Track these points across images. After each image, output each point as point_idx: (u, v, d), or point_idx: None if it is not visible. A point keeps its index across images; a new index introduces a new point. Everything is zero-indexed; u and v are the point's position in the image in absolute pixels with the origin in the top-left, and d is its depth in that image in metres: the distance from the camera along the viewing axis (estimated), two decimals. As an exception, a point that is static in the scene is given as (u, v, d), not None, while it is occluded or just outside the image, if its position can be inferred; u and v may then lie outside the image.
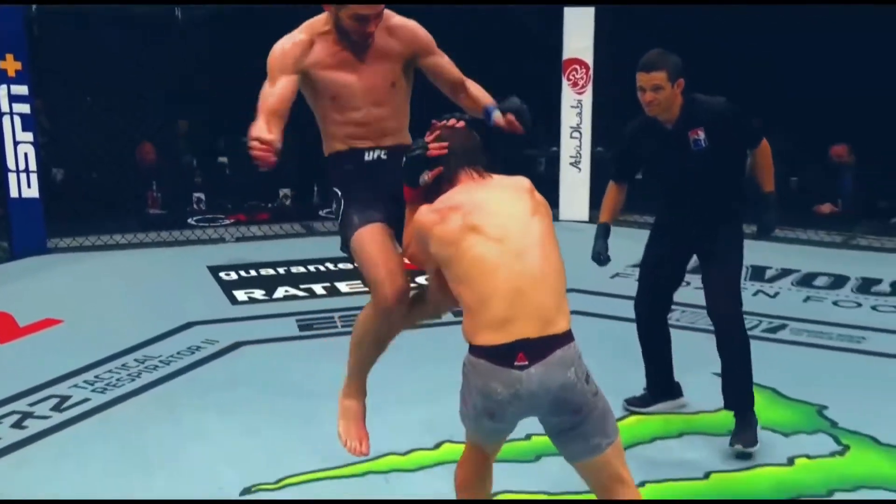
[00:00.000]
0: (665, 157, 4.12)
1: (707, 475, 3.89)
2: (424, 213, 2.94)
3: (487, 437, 2.92)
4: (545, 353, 2.70)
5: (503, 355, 2.69)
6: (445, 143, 3.02)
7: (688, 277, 4.55)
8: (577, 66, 8.12)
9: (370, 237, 3.29)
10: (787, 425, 4.35)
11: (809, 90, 8.24)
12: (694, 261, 4.39)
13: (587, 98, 8.18)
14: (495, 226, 2.80)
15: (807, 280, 6.73)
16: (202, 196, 9.09)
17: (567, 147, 8.34)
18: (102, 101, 8.89)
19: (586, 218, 8.17)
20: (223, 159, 9.82)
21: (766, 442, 4.20)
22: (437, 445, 4.13)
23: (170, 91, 9.21)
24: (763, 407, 4.54)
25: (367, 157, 3.38)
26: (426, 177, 3.04)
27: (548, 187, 8.28)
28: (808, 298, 6.34)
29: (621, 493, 2.86)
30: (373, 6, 3.21)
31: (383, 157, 3.40)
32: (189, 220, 8.60)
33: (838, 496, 3.75)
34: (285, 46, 3.30)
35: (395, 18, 3.37)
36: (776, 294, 6.39)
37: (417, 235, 2.98)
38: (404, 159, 3.10)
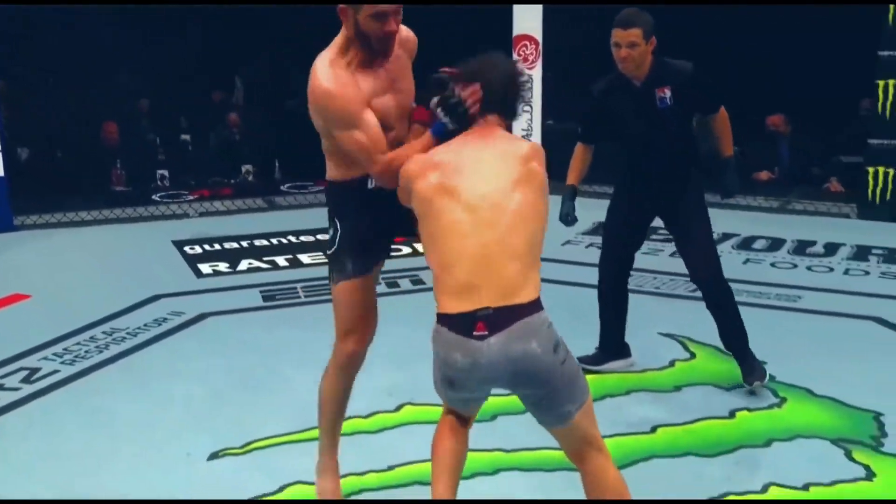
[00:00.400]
0: (632, 114, 4.13)
1: (654, 429, 3.93)
2: (411, 163, 2.77)
3: (454, 405, 2.83)
4: (506, 324, 2.56)
5: (463, 324, 2.58)
6: (479, 92, 2.77)
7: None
8: (527, 43, 8.10)
9: (353, 293, 3.09)
10: (729, 380, 4.40)
11: (747, 62, 8.30)
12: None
13: (537, 73, 8.16)
14: (471, 192, 2.64)
15: (746, 243, 6.80)
16: (166, 173, 8.98)
17: (518, 120, 8.31)
18: (65, 82, 8.75)
19: (538, 188, 8.15)
20: (186, 137, 9.71)
21: (709, 397, 4.27)
22: (398, 408, 4.14)
23: (132, 71, 9.08)
24: (706, 363, 4.62)
25: (371, 184, 3.01)
26: (434, 101, 2.83)
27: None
28: (747, 261, 6.40)
29: (593, 458, 2.76)
30: (390, 3, 2.84)
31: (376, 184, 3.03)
32: (153, 197, 8.49)
33: (776, 445, 3.81)
34: (345, 88, 2.86)
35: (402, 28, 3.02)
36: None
37: (402, 181, 2.80)
38: (438, 97, 2.81)
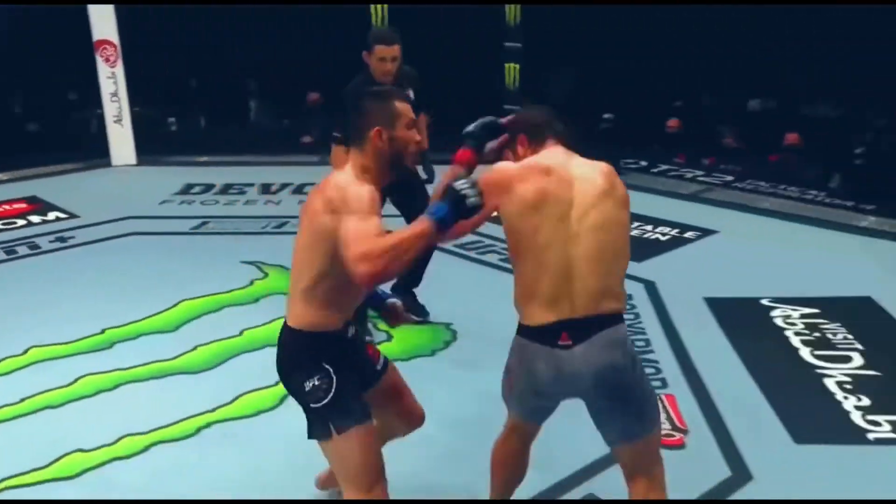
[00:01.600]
0: None
1: (241, 332, 3.93)
2: (508, 167, 2.14)
3: (531, 414, 2.25)
4: (589, 334, 2.03)
5: (547, 335, 2.04)
6: (513, 117, 2.24)
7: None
8: (107, 46, 7.42)
9: (367, 436, 2.16)
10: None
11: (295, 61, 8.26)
12: None
13: (119, 70, 7.52)
14: (562, 202, 2.06)
15: (299, 188, 6.85)
16: None
17: (110, 109, 7.65)
18: None
19: (134, 161, 7.63)
20: None
21: (282, 303, 4.25)
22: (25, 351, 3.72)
23: None
24: (276, 279, 4.66)
25: (349, 333, 2.26)
26: (494, 145, 2.23)
27: (100, 141, 7.60)
28: (301, 202, 6.38)
29: (642, 487, 2.18)
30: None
31: (354, 332, 2.29)
32: None
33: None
34: (371, 193, 2.02)
35: None
36: (280, 202, 6.45)
37: (493, 184, 2.08)
38: (477, 125, 2.25)
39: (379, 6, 7.27)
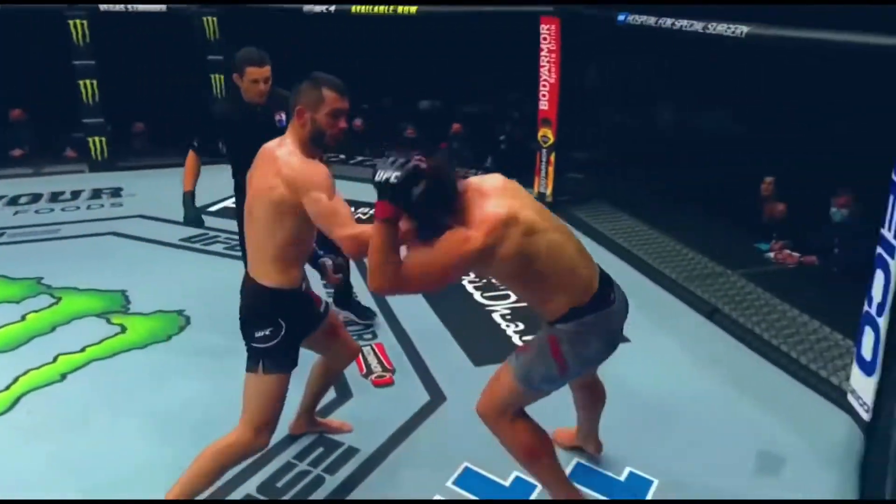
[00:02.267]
0: (254, 132, 2.93)
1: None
2: (478, 239, 1.86)
3: (558, 387, 2.18)
4: (611, 280, 2.16)
5: (604, 300, 2.08)
6: (423, 158, 1.91)
7: None
8: None
9: (281, 385, 2.16)
10: (17, 296, 3.96)
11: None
12: None
13: None
14: (534, 219, 1.98)
15: (14, 200, 5.98)
16: None
17: None
18: None
19: None
20: None
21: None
22: None
23: None
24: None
25: (303, 287, 2.23)
26: (418, 190, 1.85)
27: None
28: (17, 212, 5.65)
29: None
30: (346, 100, 2.09)
31: (306, 286, 2.26)
32: None
33: (60, 329, 3.57)
34: (325, 169, 2.06)
35: None
36: None
37: (470, 259, 1.88)
38: (392, 178, 1.83)
39: (79, 21, 6.53)
